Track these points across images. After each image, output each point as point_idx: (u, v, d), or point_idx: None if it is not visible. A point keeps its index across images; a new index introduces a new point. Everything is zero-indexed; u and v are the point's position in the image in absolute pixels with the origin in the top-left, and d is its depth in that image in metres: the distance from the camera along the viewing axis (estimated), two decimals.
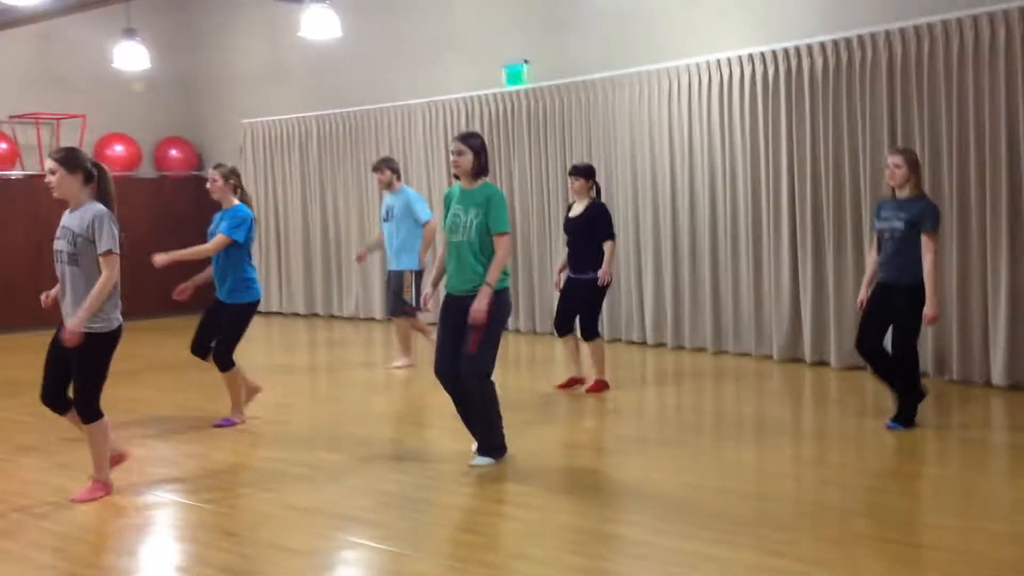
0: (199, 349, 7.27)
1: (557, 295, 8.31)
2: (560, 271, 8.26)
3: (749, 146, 9.52)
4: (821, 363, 9.04)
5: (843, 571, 4.17)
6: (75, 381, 5.37)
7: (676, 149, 10.12)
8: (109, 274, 5.26)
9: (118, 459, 5.77)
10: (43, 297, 5.66)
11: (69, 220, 5.35)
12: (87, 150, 13.76)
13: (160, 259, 6.88)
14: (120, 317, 5.45)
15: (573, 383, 8.17)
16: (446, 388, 5.99)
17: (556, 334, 8.20)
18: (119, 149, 14.15)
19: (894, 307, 6.47)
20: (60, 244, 5.34)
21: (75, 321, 5.22)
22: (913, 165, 6.49)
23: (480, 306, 5.74)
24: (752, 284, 9.58)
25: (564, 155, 11.01)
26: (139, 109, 14.63)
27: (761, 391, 8.35)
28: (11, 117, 13.38)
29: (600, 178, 10.65)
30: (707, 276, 9.93)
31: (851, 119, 8.79)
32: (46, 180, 5.37)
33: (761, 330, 9.56)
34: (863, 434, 6.60)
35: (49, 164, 5.34)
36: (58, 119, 13.71)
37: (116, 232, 5.31)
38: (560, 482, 5.73)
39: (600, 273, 7.85)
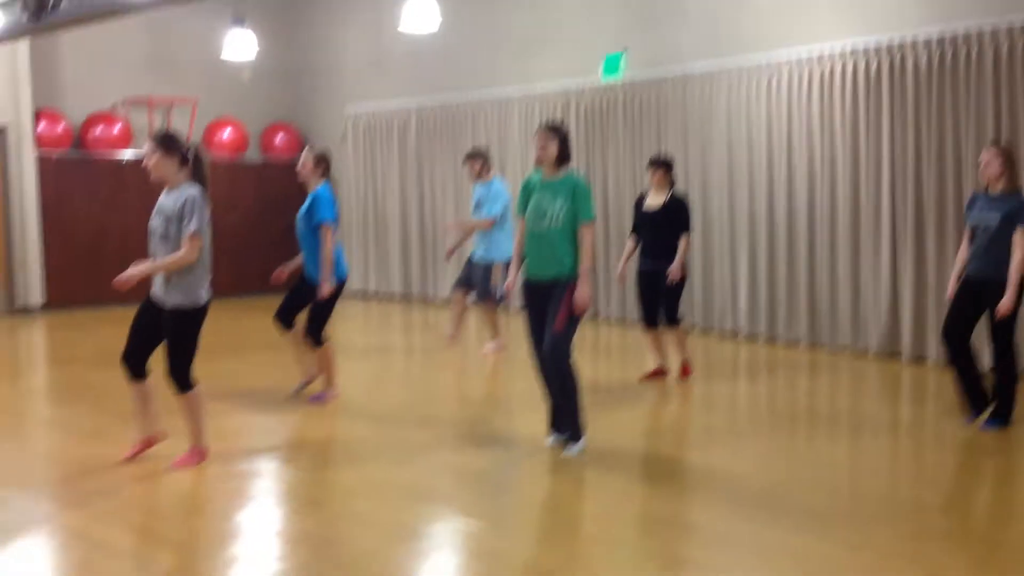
0: (282, 318, 7.48)
1: (620, 286, 8.23)
2: (626, 260, 8.28)
3: (850, 140, 9.38)
4: (920, 359, 8.89)
5: (920, 567, 4.14)
6: (167, 355, 5.59)
7: (775, 141, 10.03)
8: (187, 252, 5.44)
9: (152, 440, 5.88)
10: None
11: (164, 200, 5.57)
12: (197, 134, 14.41)
13: (324, 292, 7.12)
14: (207, 294, 5.63)
15: (658, 374, 8.19)
16: (540, 370, 6.09)
17: (644, 328, 8.19)
18: (227, 133, 14.59)
19: (986, 303, 6.36)
20: (154, 223, 5.57)
21: (140, 268, 5.44)
22: (1008, 160, 6.37)
23: (583, 293, 5.87)
24: (850, 278, 9.45)
25: (660, 148, 10.98)
26: (247, 95, 15.04)
27: (855, 386, 8.25)
28: (125, 100, 13.91)
29: (696, 170, 10.69)
30: (804, 269, 9.82)
31: (955, 116, 8.60)
32: (144, 162, 5.60)
33: (858, 324, 9.43)
34: (955, 432, 6.48)
35: (148, 146, 5.57)
36: (170, 103, 14.20)
37: (206, 216, 5.51)
38: (639, 468, 5.78)
39: (673, 268, 7.84)
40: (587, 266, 5.91)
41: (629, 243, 8.26)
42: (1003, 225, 6.26)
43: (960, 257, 6.64)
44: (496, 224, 9.29)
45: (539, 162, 6.08)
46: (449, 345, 9.64)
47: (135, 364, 5.72)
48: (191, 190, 5.50)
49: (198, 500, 5.29)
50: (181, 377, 5.60)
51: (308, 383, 7.57)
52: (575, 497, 5.31)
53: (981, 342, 7.26)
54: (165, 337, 5.57)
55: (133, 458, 5.79)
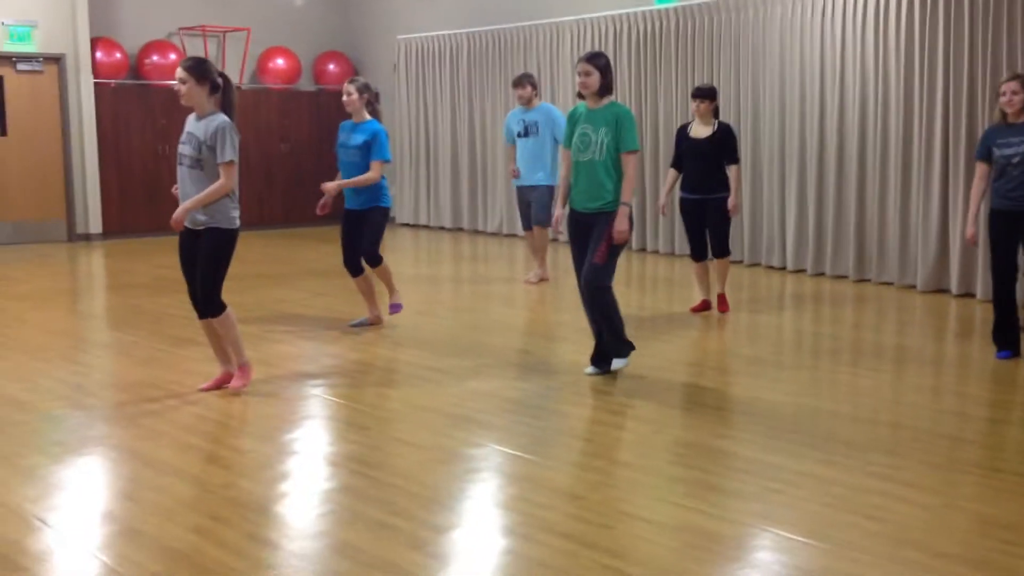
0: (351, 264, 7.62)
1: (664, 217, 8.20)
2: (668, 192, 8.26)
3: (904, 71, 9.22)
4: (967, 295, 8.83)
5: (944, 496, 4.20)
6: (199, 276, 5.67)
7: (827, 71, 9.89)
8: (226, 180, 5.53)
9: (228, 378, 5.95)
10: (173, 190, 5.88)
11: (195, 127, 5.63)
12: (251, 63, 14.51)
13: (330, 187, 7.33)
14: (239, 218, 5.71)
15: (706, 306, 8.22)
16: (585, 302, 6.18)
17: (693, 259, 8.20)
18: (280, 62, 14.68)
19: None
20: (185, 149, 5.63)
21: (182, 209, 5.52)
22: None
23: (622, 226, 5.92)
24: (899, 213, 9.36)
25: (712, 75, 10.88)
26: (300, 24, 15.10)
27: (899, 320, 8.23)
28: (180, 29, 14.04)
29: (747, 100, 10.58)
30: (853, 203, 9.74)
31: (1012, 42, 8.42)
32: (175, 88, 5.67)
33: (906, 259, 9.36)
34: (992, 366, 6.47)
35: (179, 73, 5.61)
36: (224, 32, 14.30)
37: (237, 143, 5.58)
38: (677, 398, 5.87)
39: (731, 203, 7.83)
40: (627, 198, 5.95)
41: (671, 174, 8.23)
42: None
43: (977, 194, 6.54)
44: (553, 147, 9.32)
45: (581, 92, 6.10)
46: (542, 280, 9.66)
47: (197, 304, 5.82)
48: (221, 118, 5.57)
49: (245, 423, 5.47)
50: (212, 300, 5.69)
51: (370, 324, 7.73)
52: (611, 425, 5.41)
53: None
54: (199, 260, 5.67)
55: (208, 390, 5.87)
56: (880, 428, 5.21)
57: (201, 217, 5.62)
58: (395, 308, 7.85)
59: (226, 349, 5.90)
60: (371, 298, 7.70)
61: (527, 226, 9.77)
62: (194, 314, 5.87)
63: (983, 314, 8.21)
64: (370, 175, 7.34)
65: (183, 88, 5.60)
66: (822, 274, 10.03)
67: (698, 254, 8.11)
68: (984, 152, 6.51)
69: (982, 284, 8.62)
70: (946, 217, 9.03)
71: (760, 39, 10.45)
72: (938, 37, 8.92)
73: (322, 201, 7.51)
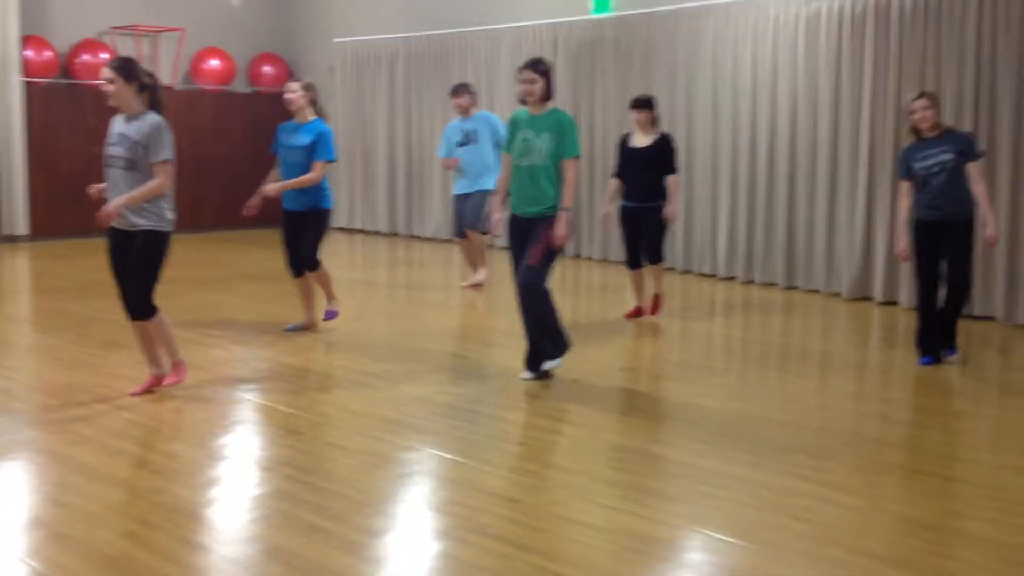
0: (295, 265, 7.57)
1: (603, 227, 8.30)
2: (609, 201, 8.35)
3: (833, 82, 9.43)
4: (891, 303, 9.04)
5: (866, 497, 4.32)
6: (129, 279, 5.60)
7: (759, 82, 10.07)
8: (163, 180, 5.49)
9: (159, 382, 5.93)
10: (92, 189, 5.81)
11: (125, 128, 5.55)
12: (184, 63, 14.35)
13: (271, 190, 7.30)
14: (173, 217, 5.67)
15: (638, 313, 8.31)
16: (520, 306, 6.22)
17: (628, 267, 8.28)
18: (215, 63, 14.53)
19: (947, 242, 6.52)
20: (116, 150, 5.54)
21: (115, 204, 5.43)
22: (936, 104, 6.61)
23: (561, 231, 5.99)
24: (826, 223, 9.56)
25: (646, 85, 11.00)
26: (235, 25, 14.97)
27: (824, 326, 8.41)
28: (112, 28, 13.83)
29: (681, 110, 10.72)
30: (782, 213, 9.92)
31: (937, 59, 8.66)
32: (102, 87, 5.60)
33: (832, 267, 9.56)
34: (915, 372, 6.65)
35: (106, 73, 5.52)
36: (157, 32, 14.12)
37: (172, 143, 5.53)
38: (611, 403, 5.93)
39: (669, 212, 7.95)
40: (568, 202, 6.00)
41: (612, 184, 8.32)
42: (958, 160, 6.47)
43: (903, 209, 6.75)
44: (493, 155, 9.32)
45: (524, 99, 6.14)
46: (478, 291, 9.67)
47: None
48: (155, 117, 5.51)
49: (176, 427, 5.42)
50: (146, 303, 5.63)
51: (305, 328, 7.68)
52: (546, 429, 5.46)
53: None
54: (131, 263, 5.60)
55: (138, 395, 5.80)
56: (806, 432, 5.33)
57: (136, 219, 5.54)
58: (331, 315, 7.81)
59: (156, 352, 5.84)
60: (309, 302, 7.67)
61: (459, 233, 9.75)
62: (123, 317, 5.79)
63: (906, 321, 8.42)
64: (313, 175, 7.30)
65: (111, 88, 5.52)
66: (752, 282, 10.20)
67: (633, 263, 8.20)
68: (905, 171, 6.71)
69: (905, 292, 8.83)
70: (871, 227, 9.24)
71: (694, 50, 10.61)
72: (865, 52, 9.14)
73: (252, 201, 7.43)
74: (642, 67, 11.11)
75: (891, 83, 8.97)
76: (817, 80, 9.57)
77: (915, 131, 6.63)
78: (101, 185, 5.78)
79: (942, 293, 6.62)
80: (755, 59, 10.07)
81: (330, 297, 7.83)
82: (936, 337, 6.72)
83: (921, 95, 6.66)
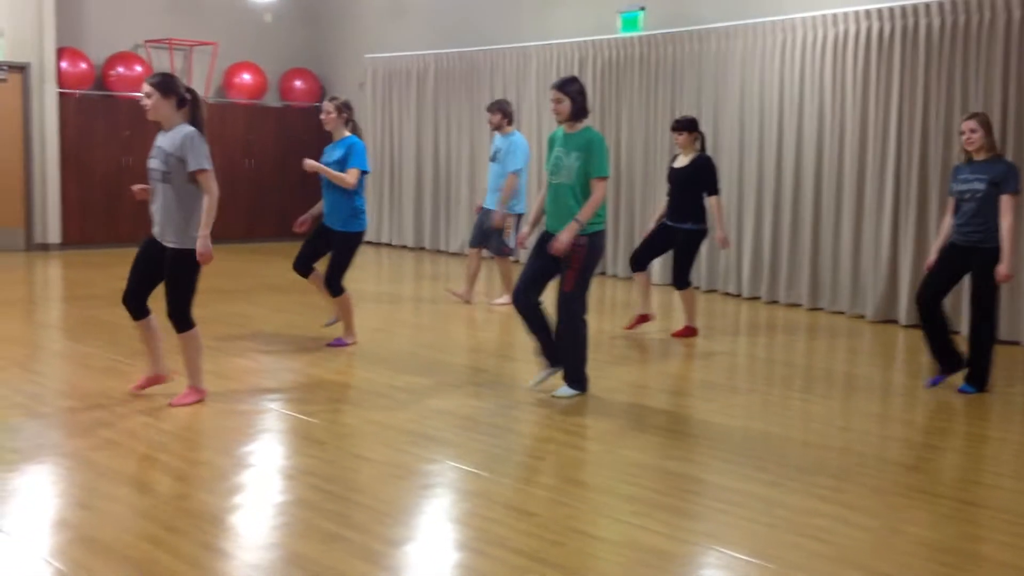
0: (301, 266, 7.70)
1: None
2: (657, 221, 8.40)
3: (859, 104, 9.45)
4: (915, 326, 9.00)
5: (884, 519, 4.32)
6: (168, 295, 5.74)
7: (786, 103, 10.09)
8: (211, 188, 5.61)
9: (157, 379, 6.08)
10: (135, 188, 5.93)
11: (162, 140, 5.69)
12: (217, 77, 14.53)
13: (309, 164, 7.41)
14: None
15: (642, 320, 8.35)
16: (519, 309, 6.29)
17: (631, 268, 8.38)
18: (247, 77, 14.70)
19: (971, 269, 6.51)
20: (154, 163, 5.69)
21: (204, 235, 5.59)
22: (987, 127, 6.50)
23: (563, 239, 6.00)
24: (852, 245, 9.55)
25: (673, 103, 11.07)
26: (268, 40, 15.15)
27: (849, 348, 8.40)
28: (147, 42, 14.03)
29: (707, 129, 10.74)
30: (808, 233, 9.92)
31: (964, 81, 8.66)
32: (141, 102, 5.73)
33: (858, 289, 9.55)
34: (937, 395, 6.63)
35: (145, 88, 5.67)
36: (191, 45, 14.31)
37: (207, 150, 5.64)
38: (630, 419, 5.96)
39: (719, 237, 8.10)
40: (583, 218, 6.02)
41: (662, 203, 8.45)
42: (990, 191, 6.39)
43: (943, 227, 6.76)
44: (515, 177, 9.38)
45: (557, 119, 6.21)
46: (464, 302, 9.77)
47: (135, 304, 5.88)
48: (187, 128, 5.62)
49: (202, 435, 5.50)
50: (181, 316, 5.75)
51: (338, 320, 7.80)
52: (565, 444, 5.49)
53: (953, 307, 7.38)
54: (165, 276, 5.73)
55: (137, 391, 6.04)
56: (828, 453, 5.34)
57: (171, 237, 5.66)
58: (339, 343, 7.68)
59: (158, 357, 5.99)
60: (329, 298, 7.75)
61: (473, 244, 9.82)
62: (126, 316, 5.91)
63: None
64: (346, 178, 7.38)
65: (149, 102, 5.64)
66: (776, 302, 10.20)
67: (635, 264, 8.29)
68: (950, 188, 6.72)
69: None
70: (896, 250, 9.23)
71: (721, 70, 10.64)
72: (893, 73, 9.15)
73: (301, 219, 7.66)
74: (669, 86, 11.16)
75: (918, 105, 8.97)
76: (844, 101, 9.59)
77: (967, 152, 6.58)
78: (143, 186, 5.89)
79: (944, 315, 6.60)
80: (782, 80, 10.09)
81: (347, 330, 7.74)
82: (941, 353, 6.65)
83: (971, 116, 6.59)
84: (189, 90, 5.76)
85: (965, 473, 5.16)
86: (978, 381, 6.56)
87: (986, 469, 5.27)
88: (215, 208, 5.64)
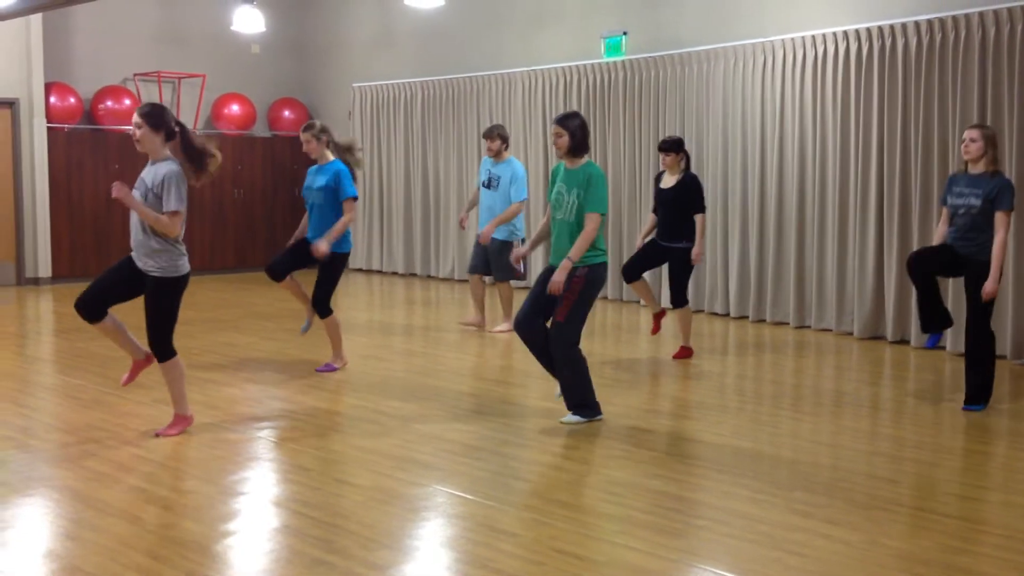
0: (276, 271, 7.67)
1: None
2: (643, 238, 8.48)
3: (840, 123, 9.55)
4: (902, 342, 9.08)
5: (865, 533, 4.36)
6: (148, 324, 5.77)
7: (768, 123, 10.19)
8: (170, 226, 5.62)
9: (144, 363, 6.14)
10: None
11: (146, 173, 5.74)
12: (205, 108, 14.62)
13: (322, 251, 7.38)
14: (187, 265, 5.81)
15: (661, 317, 8.53)
16: (521, 336, 6.32)
17: (624, 280, 8.48)
18: (235, 108, 14.79)
19: (967, 280, 6.50)
20: (136, 194, 5.71)
21: (131, 198, 5.60)
22: (990, 141, 6.47)
23: (557, 278, 6.02)
24: (837, 261, 9.63)
25: (658, 126, 11.17)
26: (256, 71, 15.26)
27: (836, 365, 8.44)
28: (136, 75, 14.12)
29: (691, 150, 10.82)
30: (792, 251, 10.00)
31: (943, 99, 8.76)
32: (131, 133, 5.80)
33: (843, 306, 9.61)
34: (923, 410, 6.69)
35: (135, 119, 5.72)
36: (180, 78, 14.41)
37: (183, 193, 5.67)
38: (616, 440, 5.98)
39: (694, 252, 8.08)
40: (574, 256, 6.02)
41: (650, 219, 8.54)
42: (985, 206, 6.37)
43: (938, 235, 6.77)
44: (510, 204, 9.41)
45: (557, 152, 6.25)
46: (479, 329, 9.78)
47: (93, 307, 5.86)
48: (170, 166, 5.67)
49: (189, 464, 5.53)
50: (162, 345, 5.79)
51: (312, 324, 7.88)
52: (550, 465, 5.54)
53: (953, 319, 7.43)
54: (146, 306, 5.77)
55: (128, 382, 6.22)
56: (812, 469, 5.38)
57: (148, 261, 5.71)
58: (328, 367, 7.75)
59: (132, 343, 6.05)
60: (306, 300, 7.76)
61: (473, 269, 9.82)
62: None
63: (917, 360, 8.47)
64: (344, 218, 7.47)
65: (138, 133, 5.71)
66: (763, 320, 10.26)
67: (628, 276, 8.37)
68: (943, 198, 6.74)
69: (916, 331, 8.87)
70: (881, 266, 9.30)
71: (704, 92, 10.75)
72: (873, 92, 9.26)
73: (289, 243, 7.79)
74: (653, 109, 11.26)
75: (897, 122, 9.07)
76: (825, 120, 9.69)
77: (965, 161, 6.57)
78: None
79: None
80: (764, 100, 10.20)
81: (336, 353, 7.80)
82: (933, 311, 6.64)
83: (975, 126, 6.59)
84: (178, 123, 5.82)
85: (950, 487, 5.19)
86: (982, 400, 6.58)
87: (971, 483, 5.31)
88: (158, 226, 5.62)
